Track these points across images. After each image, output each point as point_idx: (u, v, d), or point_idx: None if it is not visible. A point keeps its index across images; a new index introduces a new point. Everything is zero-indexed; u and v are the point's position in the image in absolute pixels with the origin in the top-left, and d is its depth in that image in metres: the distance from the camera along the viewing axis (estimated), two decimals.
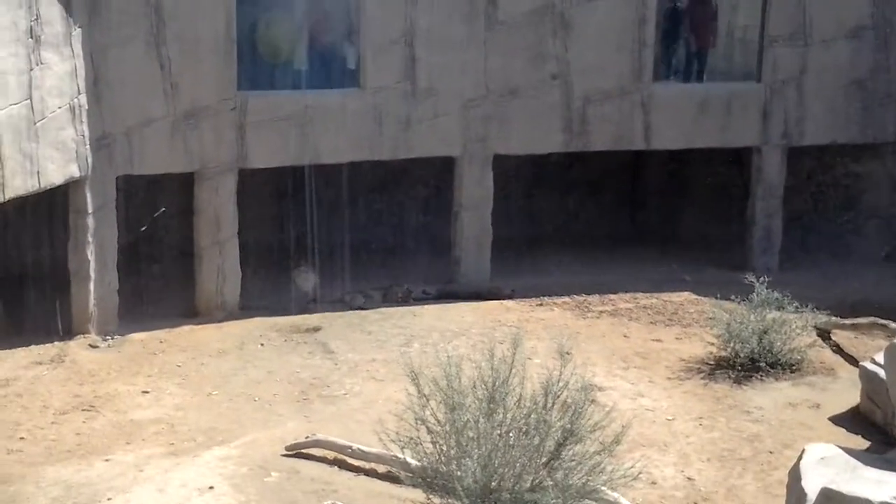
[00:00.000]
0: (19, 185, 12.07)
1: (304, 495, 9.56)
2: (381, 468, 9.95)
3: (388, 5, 14.78)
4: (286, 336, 13.53)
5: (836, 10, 16.61)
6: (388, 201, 17.77)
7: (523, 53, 15.42)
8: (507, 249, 16.47)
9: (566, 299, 15.06)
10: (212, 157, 14.10)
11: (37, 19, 12.17)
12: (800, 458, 9.29)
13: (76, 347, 12.93)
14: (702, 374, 12.56)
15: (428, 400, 8.88)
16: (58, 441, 10.59)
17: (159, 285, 14.98)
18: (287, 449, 10.40)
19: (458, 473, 8.48)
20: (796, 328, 12.75)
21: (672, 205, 18.78)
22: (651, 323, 14.32)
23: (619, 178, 18.96)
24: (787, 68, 16.60)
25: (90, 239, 13.28)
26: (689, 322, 14.28)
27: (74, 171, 12.94)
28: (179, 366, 12.57)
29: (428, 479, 8.73)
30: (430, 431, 8.86)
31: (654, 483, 10.04)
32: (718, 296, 13.71)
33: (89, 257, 13.27)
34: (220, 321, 13.95)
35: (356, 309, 14.59)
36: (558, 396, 8.82)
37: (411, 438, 8.88)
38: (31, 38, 12.09)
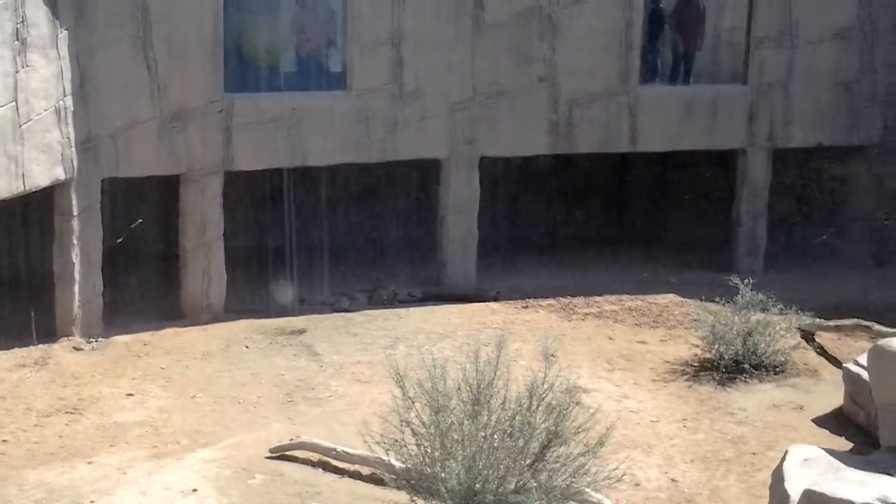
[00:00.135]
0: (4, 187, 12.05)
1: (288, 497, 9.57)
2: (366, 470, 9.96)
3: (374, 7, 14.77)
4: (271, 338, 13.52)
5: (822, 12, 16.66)
6: (373, 203, 17.76)
7: (510, 55, 15.44)
8: (493, 252, 16.49)
9: (551, 301, 15.08)
10: (198, 159, 14.08)
11: (23, 22, 12.15)
12: (783, 459, 9.33)
13: (60, 350, 12.90)
14: (686, 376, 12.59)
15: (413, 402, 8.90)
16: (41, 443, 10.57)
17: (144, 288, 14.94)
18: (271, 451, 10.40)
19: (443, 475, 8.50)
20: (780, 330, 12.78)
21: (658, 207, 18.81)
22: (636, 325, 14.35)
23: (605, 180, 18.98)
24: (774, 70, 16.64)
25: (75, 241, 13.25)
26: (674, 324, 14.30)
27: (60, 173, 12.92)
28: (164, 368, 12.55)
29: (412, 481, 8.74)
30: (414, 433, 8.88)
31: (637, 485, 10.07)
32: (703, 298, 13.75)
33: (74, 259, 13.24)
34: (205, 323, 13.92)
35: (341, 311, 14.59)
36: (543, 398, 8.85)
37: (396, 440, 8.91)
38: (17, 40, 12.07)
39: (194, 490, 9.58)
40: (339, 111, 14.80)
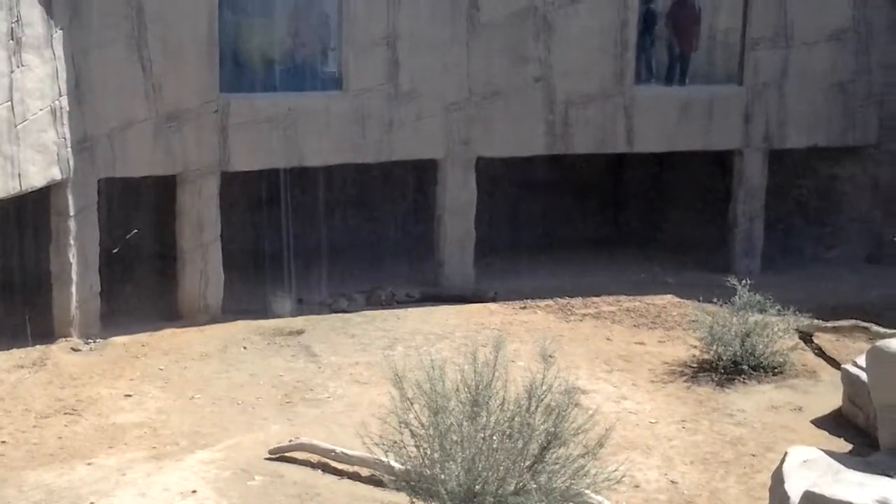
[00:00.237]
0: (0, 187, 12.00)
1: (288, 499, 9.54)
2: (365, 472, 9.93)
3: (370, 7, 14.76)
4: (269, 339, 13.50)
5: (817, 13, 16.70)
6: (371, 204, 17.74)
7: (506, 56, 15.44)
8: (491, 252, 16.48)
9: (549, 302, 15.07)
10: (194, 159, 14.06)
11: (17, 21, 12.10)
12: (782, 461, 9.33)
13: (58, 351, 12.86)
14: (685, 377, 12.58)
15: (411, 403, 8.88)
16: (40, 445, 10.54)
17: (141, 288, 14.90)
18: (270, 452, 10.38)
19: (442, 477, 8.48)
20: (778, 331, 12.78)
21: (654, 207, 18.83)
22: (634, 326, 14.35)
23: (601, 181, 18.99)
24: (769, 71, 16.68)
25: (72, 242, 13.22)
26: (672, 325, 14.31)
27: (56, 173, 12.88)
28: (162, 369, 12.52)
29: (411, 483, 8.71)
30: (413, 435, 8.85)
31: (637, 486, 10.06)
32: (701, 298, 13.76)
33: (71, 260, 13.21)
34: (202, 324, 13.89)
35: (340, 312, 14.57)
36: (542, 399, 8.83)
37: (395, 442, 8.88)
38: (12, 40, 12.02)
39: (193, 491, 9.55)
40: (334, 111, 14.79)
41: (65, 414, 11.23)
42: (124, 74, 13.52)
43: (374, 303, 14.94)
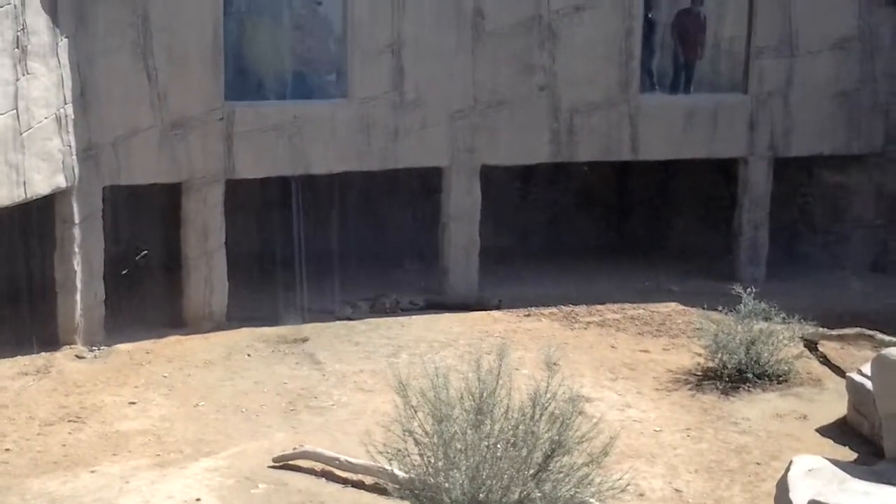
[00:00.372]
0: (5, 195, 12.02)
1: None
2: (369, 480, 9.90)
3: (375, 15, 14.78)
4: (273, 347, 13.50)
5: (822, 22, 16.69)
6: (375, 212, 17.76)
7: (511, 64, 15.45)
8: (495, 260, 16.47)
9: (553, 310, 15.06)
10: (199, 167, 14.07)
11: (23, 29, 12.12)
12: (787, 469, 9.31)
13: (62, 358, 12.87)
14: (689, 385, 12.56)
15: (415, 411, 8.87)
16: (43, 452, 10.53)
17: (146, 296, 14.90)
18: (274, 460, 10.36)
19: (446, 485, 8.46)
20: (783, 339, 12.76)
21: (659, 215, 18.83)
22: (639, 333, 14.34)
23: (606, 189, 18.99)
24: (774, 79, 16.67)
25: (76, 249, 13.22)
26: (677, 333, 14.29)
27: (61, 181, 12.90)
28: (166, 376, 12.52)
29: (416, 491, 8.70)
30: (417, 443, 8.83)
31: (641, 495, 10.02)
32: (706, 306, 13.71)
33: (76, 268, 13.21)
34: (207, 332, 13.90)
35: (344, 319, 14.57)
36: (546, 408, 8.81)
37: (399, 450, 8.86)
38: (18, 48, 12.05)
39: (197, 500, 9.53)
40: (339, 119, 14.80)
41: (69, 421, 11.22)
42: (129, 82, 13.54)
43: (378, 310, 14.94)
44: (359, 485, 9.96)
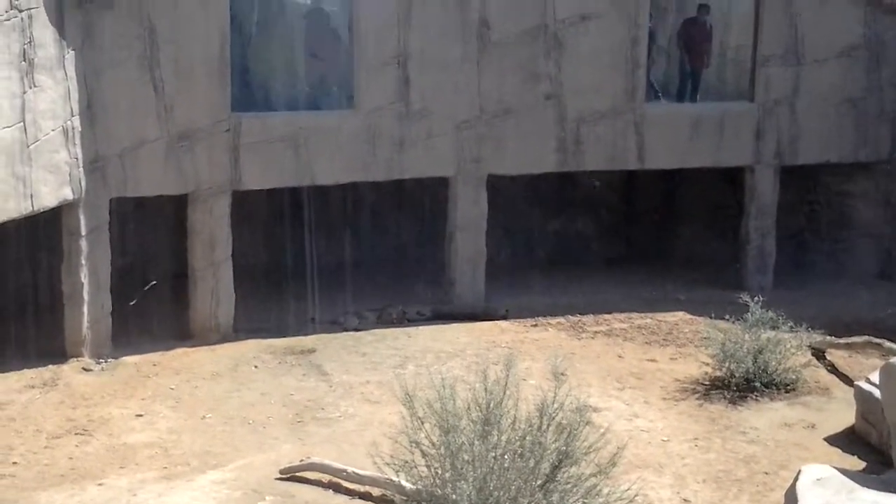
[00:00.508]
0: (12, 207, 12.04)
1: None
2: (376, 491, 9.89)
3: (381, 26, 14.80)
4: (280, 358, 13.49)
5: (829, 30, 16.68)
6: (382, 222, 17.76)
7: (517, 74, 15.45)
8: (502, 270, 16.46)
9: (560, 320, 15.05)
10: (205, 178, 14.08)
11: (30, 42, 12.15)
12: (796, 479, 9.28)
13: (69, 371, 12.87)
14: (697, 395, 12.54)
15: (422, 422, 8.86)
16: (51, 465, 10.53)
17: (153, 307, 14.91)
18: (281, 472, 10.35)
19: (454, 497, 8.45)
20: (791, 348, 12.73)
21: (666, 224, 18.81)
22: (646, 343, 14.31)
23: (613, 198, 18.99)
24: (780, 88, 16.66)
25: (83, 262, 13.22)
26: (684, 342, 14.27)
27: (68, 193, 12.92)
28: (173, 389, 12.52)
29: (423, 503, 8.69)
30: (424, 454, 8.84)
31: None
32: (713, 315, 13.70)
33: (83, 280, 13.21)
34: (213, 343, 13.90)
35: (351, 330, 14.57)
36: (553, 418, 8.81)
37: (406, 461, 8.86)
38: (25, 61, 12.07)
39: None
40: (346, 130, 14.81)
41: (76, 434, 11.21)
42: (136, 95, 13.55)
43: (385, 321, 14.93)
44: (366, 496, 9.94)
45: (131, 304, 14.38)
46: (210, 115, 13.98)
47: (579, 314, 15.24)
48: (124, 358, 13.32)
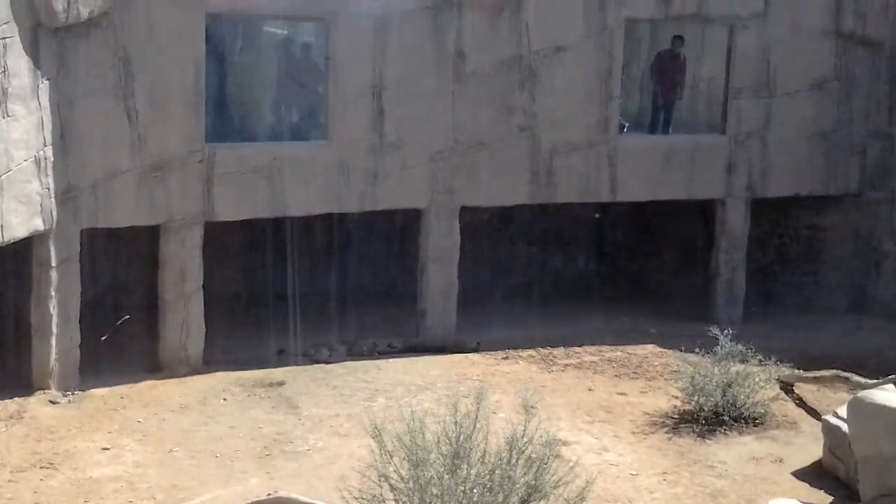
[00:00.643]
0: None
1: None
2: None
3: (355, 57, 14.82)
4: (249, 391, 13.44)
5: (800, 63, 16.85)
6: (353, 254, 17.74)
7: (491, 105, 15.50)
8: (473, 301, 16.47)
9: (531, 352, 15.07)
10: (178, 209, 14.03)
11: (4, 72, 12.12)
12: None
13: (36, 403, 12.76)
14: (666, 429, 12.57)
15: (391, 456, 8.85)
16: (14, 499, 10.42)
17: (123, 339, 14.83)
18: None
19: None
20: (760, 381, 12.80)
21: (637, 256, 18.88)
22: (616, 376, 14.35)
23: (584, 230, 19.04)
24: (752, 120, 16.80)
25: (53, 293, 13.13)
26: (654, 375, 14.31)
27: (39, 224, 12.85)
28: (140, 422, 12.44)
29: None
30: (393, 488, 8.83)
31: None
32: (683, 348, 13.76)
33: (51, 311, 13.12)
34: (183, 376, 13.82)
35: (321, 363, 14.53)
36: (523, 452, 8.84)
37: (374, 495, 8.84)
38: None
39: None
40: (319, 161, 14.81)
41: (41, 468, 11.12)
42: (110, 125, 13.49)
43: (355, 353, 14.89)
44: None
45: (102, 339, 14.28)
46: (184, 146, 13.96)
47: (550, 347, 15.25)
48: (92, 390, 13.23)
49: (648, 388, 13.85)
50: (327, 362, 14.53)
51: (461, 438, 8.86)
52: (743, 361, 12.90)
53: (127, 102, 13.61)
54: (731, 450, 11.99)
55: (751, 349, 13.03)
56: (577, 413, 12.97)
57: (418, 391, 13.42)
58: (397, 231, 17.52)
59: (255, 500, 10.35)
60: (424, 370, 14.22)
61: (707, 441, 12.20)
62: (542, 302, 17.25)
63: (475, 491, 8.65)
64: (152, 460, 11.42)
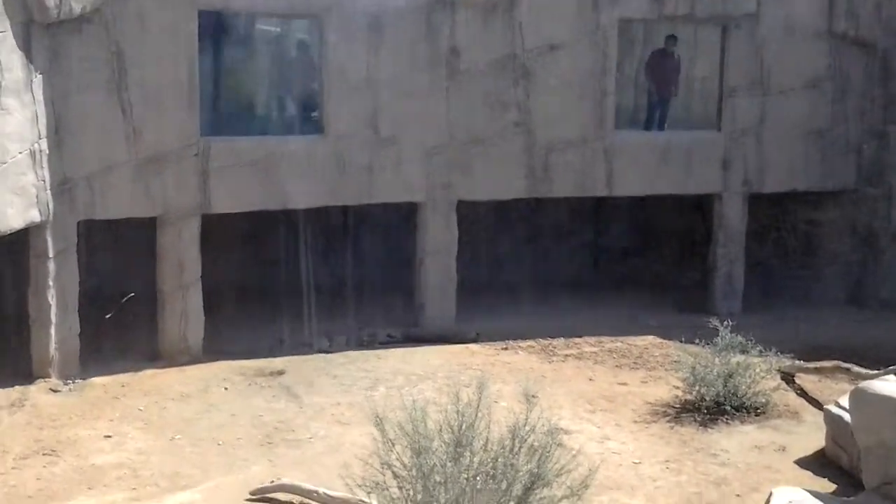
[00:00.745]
0: None
1: None
2: None
3: (351, 54, 14.81)
4: (250, 380, 13.40)
5: (793, 63, 16.92)
6: (353, 245, 17.71)
7: (486, 102, 15.51)
8: (473, 292, 16.43)
9: (531, 343, 15.06)
10: (174, 202, 13.99)
11: None
12: (767, 501, 9.31)
13: (37, 392, 12.71)
14: (668, 418, 12.55)
15: (393, 444, 8.80)
16: (18, 487, 10.36)
17: (123, 329, 14.77)
18: (251, 494, 10.25)
19: None
20: (761, 372, 12.78)
21: (636, 250, 18.90)
22: (616, 366, 14.34)
23: (583, 223, 19.07)
24: (747, 118, 16.85)
25: (51, 283, 13.11)
26: (654, 365, 14.30)
27: (35, 215, 12.80)
28: (142, 410, 12.39)
29: None
30: (396, 476, 8.77)
31: None
32: (683, 340, 13.75)
33: (50, 301, 13.09)
34: (183, 365, 13.79)
35: (321, 352, 14.51)
36: (525, 440, 8.78)
37: (377, 483, 8.78)
38: None
39: None
40: (315, 155, 14.79)
41: (43, 455, 11.06)
42: (104, 118, 13.45)
43: (355, 343, 14.88)
44: None
45: (107, 316, 14.21)
46: (179, 139, 13.92)
47: (550, 337, 15.25)
48: (93, 379, 13.18)
49: (649, 379, 13.84)
50: (328, 352, 14.52)
51: (463, 427, 8.80)
52: (743, 352, 12.87)
53: (121, 96, 13.57)
54: (734, 438, 11.97)
55: (751, 340, 13.01)
56: (579, 402, 12.95)
57: (419, 380, 13.39)
58: (398, 222, 17.46)
59: (259, 487, 10.32)
60: (424, 360, 14.19)
61: (709, 430, 12.18)
62: (542, 294, 17.22)
63: (478, 479, 8.59)
64: (154, 448, 11.36)
